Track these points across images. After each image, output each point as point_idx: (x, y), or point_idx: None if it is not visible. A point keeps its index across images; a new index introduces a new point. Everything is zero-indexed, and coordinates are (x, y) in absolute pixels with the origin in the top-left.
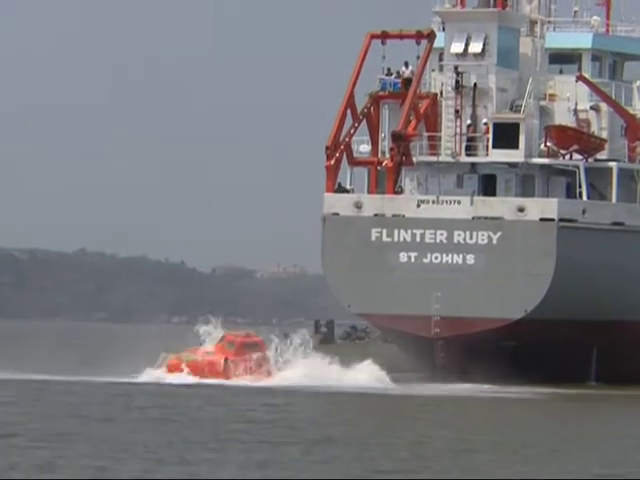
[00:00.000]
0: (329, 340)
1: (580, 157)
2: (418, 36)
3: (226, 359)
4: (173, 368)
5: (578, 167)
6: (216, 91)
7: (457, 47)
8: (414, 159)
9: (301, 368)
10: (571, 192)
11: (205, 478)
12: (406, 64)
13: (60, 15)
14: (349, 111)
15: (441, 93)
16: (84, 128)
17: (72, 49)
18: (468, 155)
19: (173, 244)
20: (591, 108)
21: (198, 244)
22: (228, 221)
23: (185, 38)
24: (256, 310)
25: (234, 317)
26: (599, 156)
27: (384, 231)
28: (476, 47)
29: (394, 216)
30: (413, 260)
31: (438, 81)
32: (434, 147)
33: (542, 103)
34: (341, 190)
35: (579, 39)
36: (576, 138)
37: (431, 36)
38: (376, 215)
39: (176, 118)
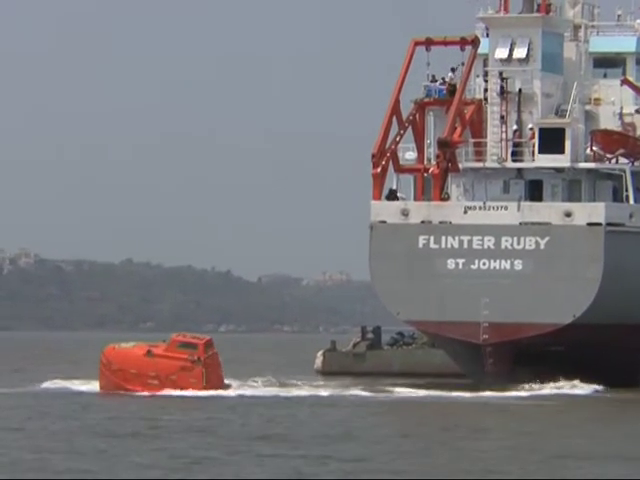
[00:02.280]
0: (376, 346)
1: (626, 161)
2: (462, 42)
3: (149, 351)
4: (106, 353)
5: (624, 171)
6: (265, 100)
7: (501, 53)
8: (460, 165)
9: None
10: (617, 196)
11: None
12: (452, 70)
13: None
14: (395, 118)
15: (485, 99)
16: (133, 139)
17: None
18: (514, 161)
19: (219, 253)
20: (636, 112)
21: (244, 253)
22: (273, 230)
23: (246, 37)
24: (302, 318)
25: (280, 325)
26: None
27: (431, 238)
28: (520, 52)
29: (441, 223)
30: (461, 266)
31: (481, 87)
32: (480, 153)
33: (587, 107)
34: (393, 196)
35: (623, 43)
36: (622, 142)
37: (475, 42)
38: (423, 222)
39: (225, 127)
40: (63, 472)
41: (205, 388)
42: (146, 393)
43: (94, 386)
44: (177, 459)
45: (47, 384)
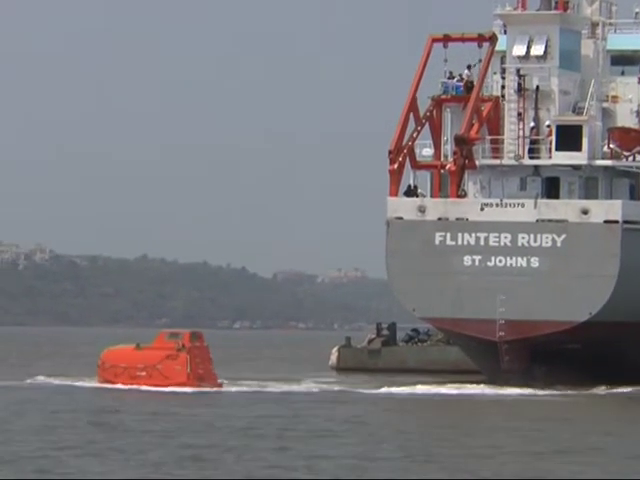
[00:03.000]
0: (391, 343)
1: None
2: (480, 39)
3: (138, 344)
4: (103, 355)
5: None
6: (280, 97)
7: (519, 50)
8: (477, 162)
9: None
10: (634, 193)
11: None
12: (469, 67)
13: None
14: (412, 115)
15: (502, 96)
16: (146, 136)
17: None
18: (531, 158)
19: (234, 250)
20: None
21: (259, 250)
22: (288, 226)
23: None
24: (317, 315)
25: (295, 322)
26: None
27: (448, 235)
28: (538, 50)
29: (458, 220)
30: (477, 263)
31: (499, 84)
32: (497, 150)
33: (604, 105)
34: (412, 192)
35: None
36: (639, 139)
37: (493, 39)
38: (440, 219)
39: (239, 126)
40: None
41: (189, 377)
42: (131, 387)
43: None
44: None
45: (30, 380)
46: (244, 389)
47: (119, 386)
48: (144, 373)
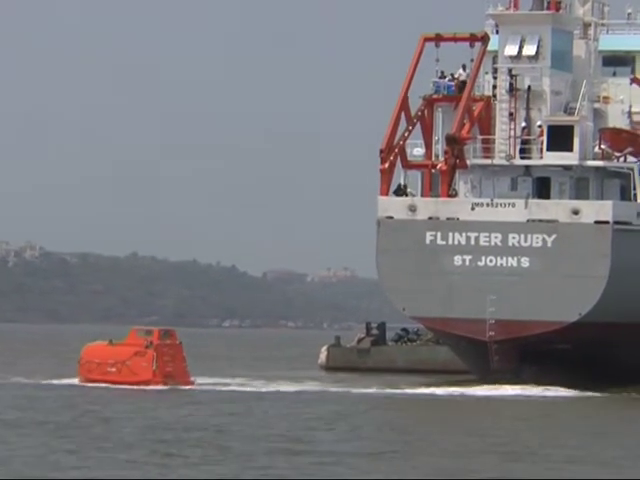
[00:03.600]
0: (380, 343)
1: (634, 159)
2: (472, 39)
3: (110, 341)
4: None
5: (632, 169)
6: (268, 96)
7: (511, 50)
8: (468, 162)
9: None
10: (625, 194)
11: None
12: (463, 67)
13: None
14: (403, 114)
15: (494, 96)
16: (139, 135)
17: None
18: (522, 158)
19: (224, 248)
20: None
21: (249, 248)
22: (279, 225)
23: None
24: (307, 314)
25: (285, 321)
26: None
27: (438, 234)
28: (530, 50)
29: (448, 219)
30: (468, 263)
31: (490, 84)
32: (488, 150)
33: (596, 105)
34: (401, 191)
35: (633, 41)
36: (630, 140)
37: (485, 39)
38: (430, 218)
39: (226, 126)
40: None
41: (155, 375)
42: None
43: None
44: None
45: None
46: (213, 388)
47: (99, 383)
48: (114, 369)
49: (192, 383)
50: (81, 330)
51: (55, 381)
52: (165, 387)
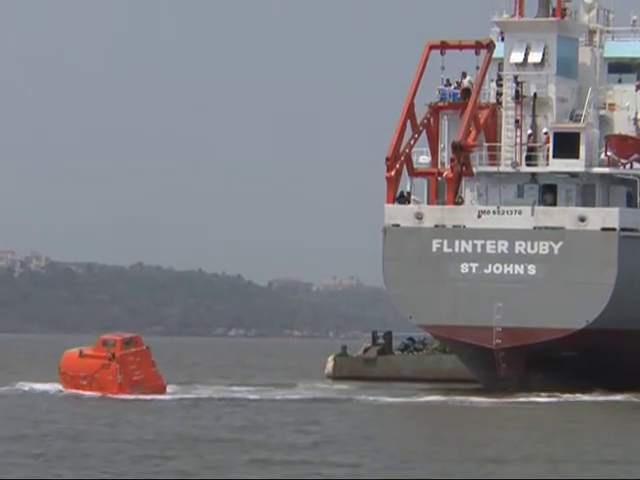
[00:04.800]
0: (387, 352)
1: None
2: (477, 46)
3: (80, 352)
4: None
5: (638, 176)
6: (275, 108)
7: (517, 57)
8: (474, 169)
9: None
10: (631, 201)
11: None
12: (464, 74)
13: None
14: (409, 122)
15: (499, 103)
16: (143, 145)
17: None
18: (528, 165)
19: (229, 257)
20: None
21: (254, 257)
22: (284, 234)
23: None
24: (312, 323)
25: (290, 330)
26: None
27: (445, 242)
28: (536, 57)
29: (455, 227)
30: (474, 271)
31: (494, 91)
32: (494, 157)
33: (602, 112)
34: (404, 199)
35: (638, 48)
36: (636, 147)
37: (490, 46)
38: (437, 226)
39: (230, 140)
40: None
41: (120, 387)
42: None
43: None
44: None
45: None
46: (183, 395)
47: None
48: (85, 382)
49: (164, 387)
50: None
51: (39, 385)
52: (131, 396)
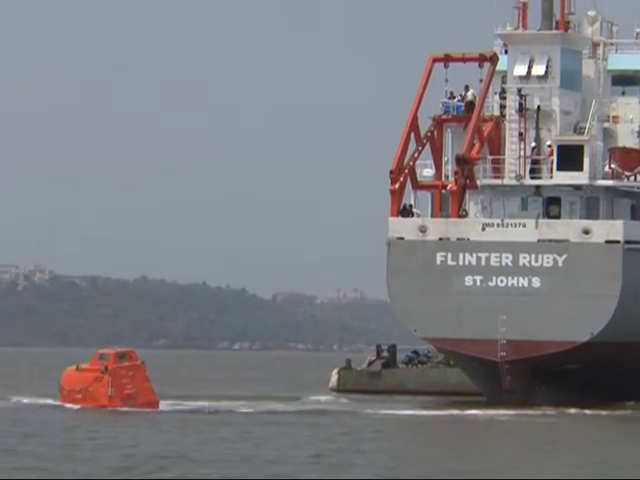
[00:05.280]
0: (391, 365)
1: None
2: (481, 59)
3: (77, 366)
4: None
5: None
6: (276, 117)
7: (520, 70)
8: (478, 182)
9: None
10: (636, 214)
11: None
12: (466, 88)
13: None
14: (413, 135)
15: (503, 116)
16: (145, 153)
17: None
18: (532, 178)
19: (234, 271)
20: None
21: (259, 270)
22: (288, 247)
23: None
24: (316, 336)
25: (295, 343)
26: None
27: (449, 255)
28: (539, 69)
29: (459, 240)
30: (478, 284)
31: (498, 104)
32: (498, 170)
33: (605, 125)
34: (407, 212)
35: None
36: None
37: (494, 59)
38: (441, 239)
39: (237, 143)
40: None
41: (111, 400)
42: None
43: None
44: None
45: None
46: (173, 408)
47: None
48: (80, 396)
49: (157, 402)
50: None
51: (41, 400)
52: (122, 409)
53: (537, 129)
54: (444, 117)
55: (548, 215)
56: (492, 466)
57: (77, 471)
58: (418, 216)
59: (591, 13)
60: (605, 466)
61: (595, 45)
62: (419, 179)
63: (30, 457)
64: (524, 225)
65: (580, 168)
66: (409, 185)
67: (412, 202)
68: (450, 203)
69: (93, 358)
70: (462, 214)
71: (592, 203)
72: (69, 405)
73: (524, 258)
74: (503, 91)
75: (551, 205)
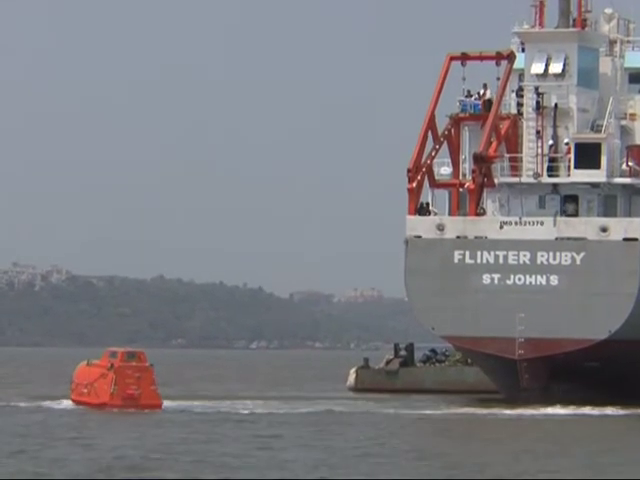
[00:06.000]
0: (409, 363)
1: None
2: (498, 57)
3: (88, 361)
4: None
5: None
6: (296, 120)
7: (537, 68)
8: (496, 180)
9: None
10: None
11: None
12: (484, 86)
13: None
14: (430, 133)
15: (520, 114)
16: (163, 154)
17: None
18: (550, 176)
19: (251, 270)
20: None
21: (276, 269)
22: (305, 246)
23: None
24: (334, 334)
25: (312, 342)
26: None
27: (467, 253)
28: (556, 67)
29: (476, 238)
30: (496, 282)
31: (515, 102)
32: (516, 168)
33: (623, 122)
34: (424, 210)
35: None
36: None
37: (511, 57)
38: (458, 237)
39: (249, 150)
40: None
41: (112, 397)
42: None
43: None
44: None
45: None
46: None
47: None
48: (86, 390)
49: (159, 406)
50: None
51: (48, 403)
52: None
53: (554, 127)
54: (461, 115)
55: (566, 213)
56: None
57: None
58: (434, 214)
59: (608, 11)
60: None
61: (612, 43)
62: (436, 177)
63: None
64: (542, 223)
65: (597, 166)
66: (426, 183)
67: (429, 200)
68: (468, 201)
69: (104, 354)
70: (480, 212)
71: (610, 201)
72: (67, 403)
73: (542, 256)
74: (520, 89)
75: (569, 203)
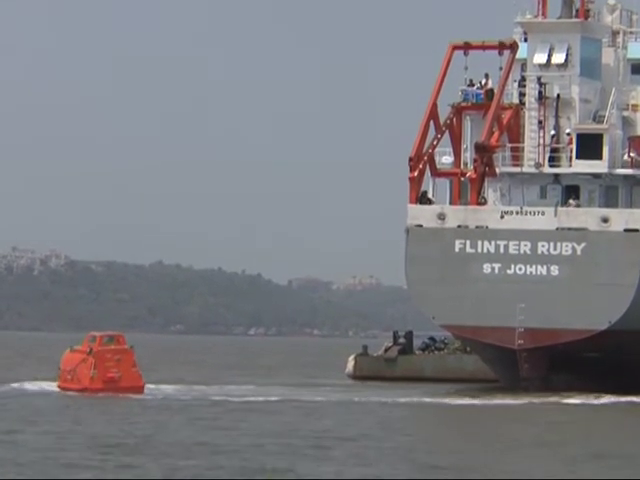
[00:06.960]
0: (408, 351)
1: None
2: (500, 47)
3: (71, 347)
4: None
5: None
6: (298, 107)
7: (540, 58)
8: (497, 170)
9: None
10: None
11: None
12: (486, 76)
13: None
14: (432, 122)
15: (522, 104)
16: (162, 140)
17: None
18: (551, 166)
19: (249, 256)
20: None
21: (274, 256)
22: (304, 233)
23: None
24: (332, 322)
25: (310, 329)
26: None
27: (468, 242)
28: (559, 58)
29: (477, 227)
30: (497, 271)
31: (517, 92)
32: (517, 158)
33: (625, 113)
34: (425, 199)
35: None
36: None
37: (513, 47)
38: (459, 226)
39: (250, 141)
40: None
41: (92, 381)
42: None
43: None
44: None
45: None
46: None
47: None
48: (69, 376)
49: (142, 387)
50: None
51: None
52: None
53: (556, 117)
54: (463, 105)
55: (567, 203)
56: None
57: None
58: (432, 203)
59: (611, 1)
60: None
61: (615, 33)
62: (438, 166)
63: None
64: (543, 213)
65: (599, 157)
66: (428, 172)
67: (431, 189)
68: (469, 191)
69: (85, 340)
70: (481, 202)
71: (611, 192)
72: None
73: (543, 246)
74: (523, 79)
75: (570, 193)
